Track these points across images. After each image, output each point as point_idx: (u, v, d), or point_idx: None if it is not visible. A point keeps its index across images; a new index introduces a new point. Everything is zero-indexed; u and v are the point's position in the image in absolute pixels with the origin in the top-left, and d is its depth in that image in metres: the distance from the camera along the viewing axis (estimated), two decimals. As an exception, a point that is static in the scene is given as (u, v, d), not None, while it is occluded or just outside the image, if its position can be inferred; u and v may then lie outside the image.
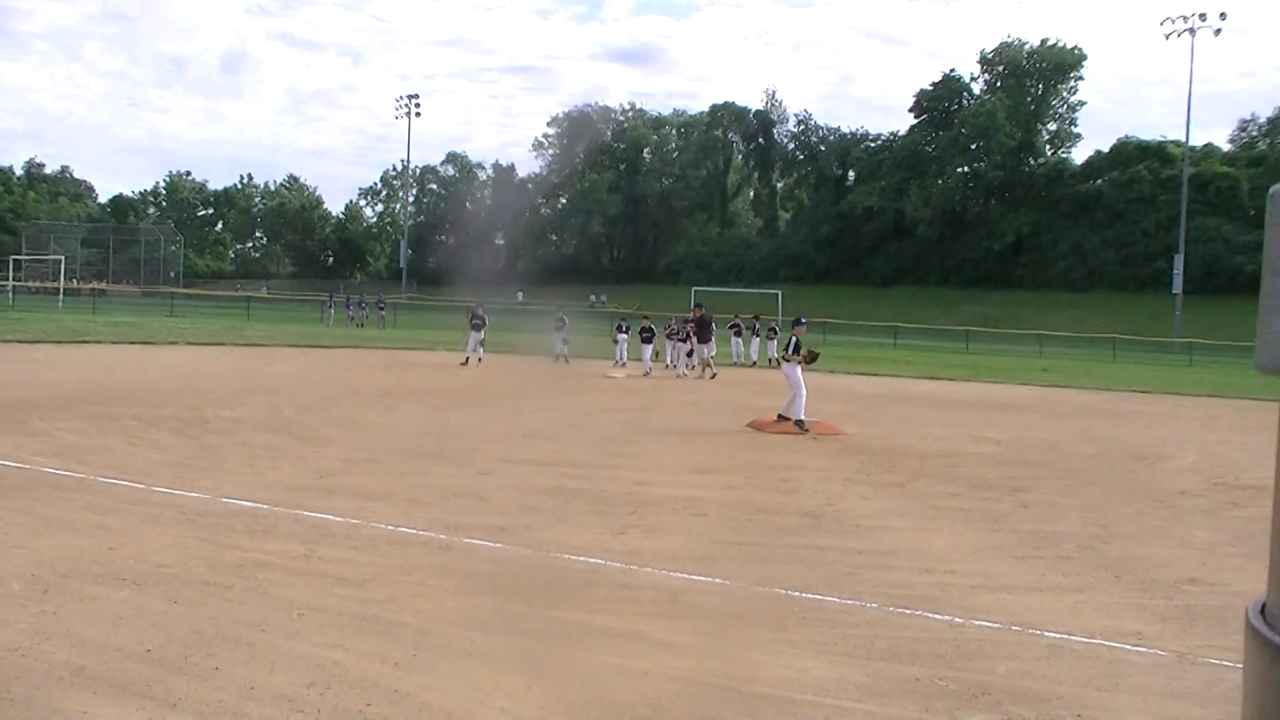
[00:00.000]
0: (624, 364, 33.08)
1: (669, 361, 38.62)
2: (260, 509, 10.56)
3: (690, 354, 36.00)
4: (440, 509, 11.11)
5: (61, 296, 77.11)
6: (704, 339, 35.15)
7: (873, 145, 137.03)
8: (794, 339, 20.59)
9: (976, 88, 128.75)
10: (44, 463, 12.78)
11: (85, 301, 77.28)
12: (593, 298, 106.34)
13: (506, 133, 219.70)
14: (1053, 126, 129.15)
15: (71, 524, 9.61)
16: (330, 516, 10.33)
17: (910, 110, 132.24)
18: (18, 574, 7.84)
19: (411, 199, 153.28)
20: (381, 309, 72.60)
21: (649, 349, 34.91)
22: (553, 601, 7.79)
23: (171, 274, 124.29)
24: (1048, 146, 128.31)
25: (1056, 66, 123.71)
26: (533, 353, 39.82)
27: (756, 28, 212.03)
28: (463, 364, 34.82)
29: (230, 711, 5.50)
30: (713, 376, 34.06)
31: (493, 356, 36.45)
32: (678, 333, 37.65)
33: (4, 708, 5.41)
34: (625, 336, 33.72)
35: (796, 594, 8.27)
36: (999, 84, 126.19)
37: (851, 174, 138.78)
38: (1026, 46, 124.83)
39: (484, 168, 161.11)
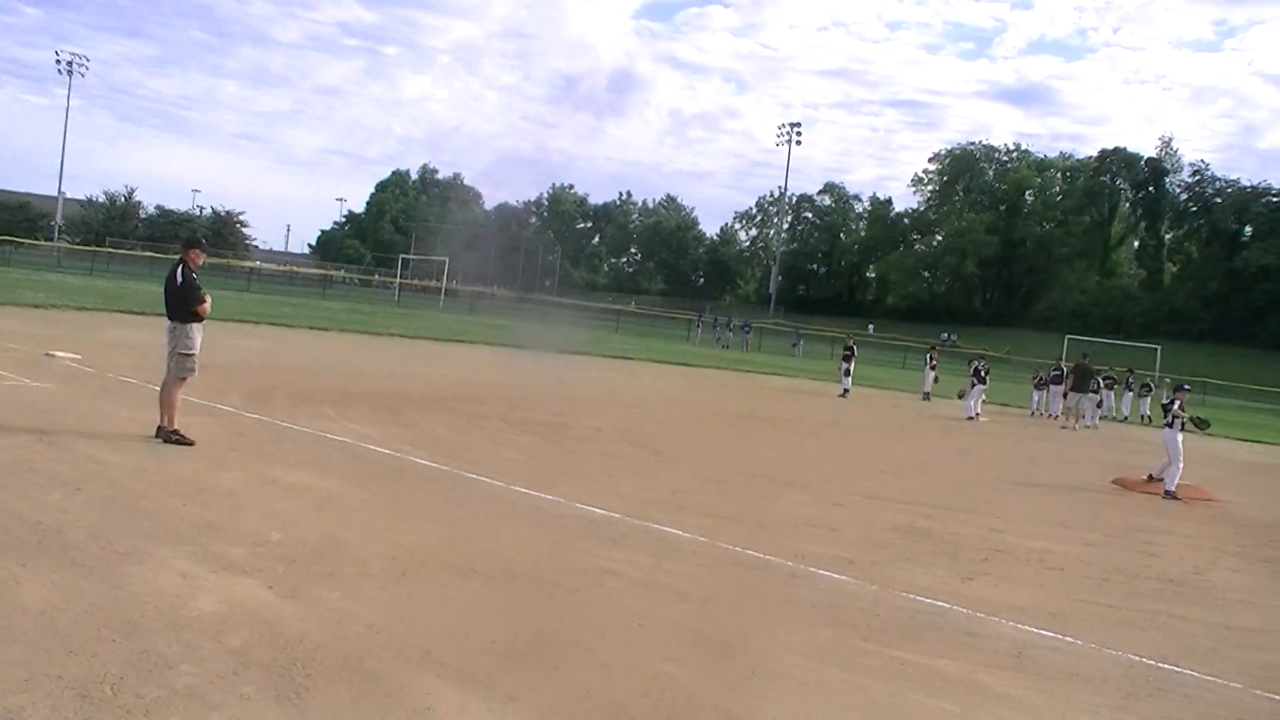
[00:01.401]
0: (977, 410, 31.76)
1: (1034, 409, 37.56)
2: (612, 518, 10.75)
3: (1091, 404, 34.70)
4: (789, 536, 11.02)
5: (443, 297, 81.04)
6: (1080, 388, 33.78)
7: (1275, 200, 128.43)
8: (1176, 401, 19.46)
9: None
10: (413, 453, 13.42)
11: (464, 302, 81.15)
12: (944, 335, 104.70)
13: (884, 166, 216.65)
14: None
15: (433, 513, 10.03)
16: (679, 532, 10.40)
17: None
18: (380, 555, 8.21)
19: (786, 226, 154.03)
20: (747, 332, 73.33)
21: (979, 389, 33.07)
22: (893, 640, 7.57)
23: (547, 283, 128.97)
24: None
25: None
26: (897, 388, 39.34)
27: (1154, 72, 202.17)
28: (840, 395, 34.71)
29: (565, 714, 5.56)
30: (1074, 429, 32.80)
31: (856, 389, 36.04)
32: (1049, 381, 36.59)
33: (355, 680, 5.62)
34: (981, 383, 32.26)
35: (1151, 662, 7.76)
36: None
37: (1248, 230, 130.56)
38: None
39: (860, 200, 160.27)
